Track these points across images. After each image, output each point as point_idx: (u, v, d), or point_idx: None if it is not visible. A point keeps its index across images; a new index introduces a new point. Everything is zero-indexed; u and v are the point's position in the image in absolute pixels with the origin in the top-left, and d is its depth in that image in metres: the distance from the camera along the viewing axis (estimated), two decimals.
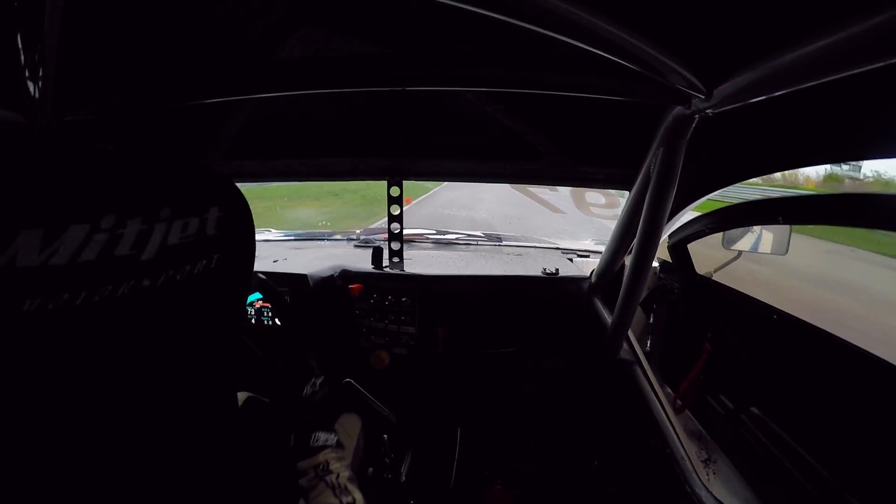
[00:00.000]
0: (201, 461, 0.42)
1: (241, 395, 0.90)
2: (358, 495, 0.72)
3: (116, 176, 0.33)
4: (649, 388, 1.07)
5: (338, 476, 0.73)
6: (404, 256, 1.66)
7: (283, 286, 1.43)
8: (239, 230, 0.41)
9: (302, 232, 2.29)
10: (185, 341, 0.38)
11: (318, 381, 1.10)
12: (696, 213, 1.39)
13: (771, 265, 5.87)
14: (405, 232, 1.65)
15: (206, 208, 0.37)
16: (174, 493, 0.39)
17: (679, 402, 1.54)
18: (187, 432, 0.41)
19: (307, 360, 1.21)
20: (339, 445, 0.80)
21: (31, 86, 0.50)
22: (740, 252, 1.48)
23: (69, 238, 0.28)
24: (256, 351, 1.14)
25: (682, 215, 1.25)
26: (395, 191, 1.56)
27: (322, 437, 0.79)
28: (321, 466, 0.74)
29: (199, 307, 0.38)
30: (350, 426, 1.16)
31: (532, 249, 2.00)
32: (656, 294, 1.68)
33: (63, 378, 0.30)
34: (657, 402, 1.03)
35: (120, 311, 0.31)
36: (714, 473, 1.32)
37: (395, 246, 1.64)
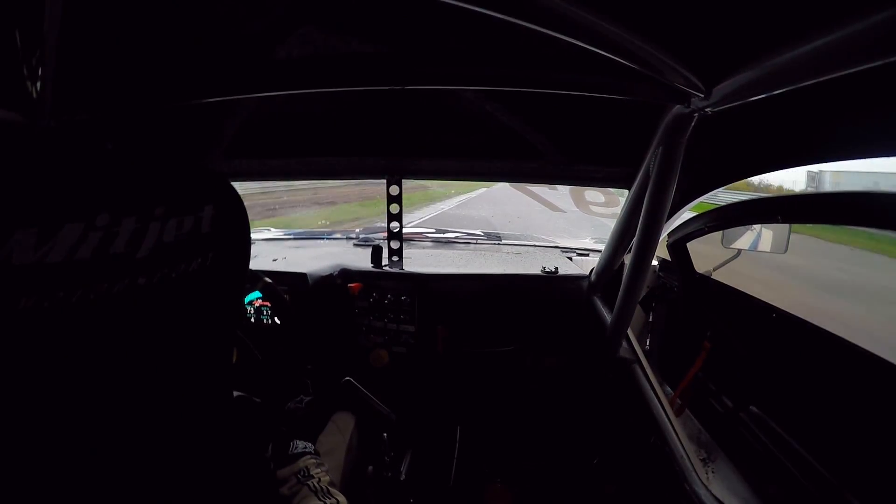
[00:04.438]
0: (195, 460, 0.43)
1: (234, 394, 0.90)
2: (342, 498, 0.72)
3: (111, 174, 0.33)
4: (649, 387, 1.07)
5: (319, 481, 0.74)
6: (403, 255, 1.66)
7: (282, 285, 1.43)
8: (233, 228, 0.41)
9: (301, 231, 2.29)
10: (180, 339, 0.38)
11: (306, 400, 1.11)
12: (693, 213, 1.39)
13: None
14: (404, 230, 1.65)
15: (200, 207, 0.37)
16: (163, 491, 0.39)
17: (679, 401, 1.54)
18: (181, 430, 0.41)
19: (302, 377, 1.21)
20: (316, 453, 0.81)
21: (30, 86, 0.49)
22: (739, 251, 1.48)
23: (64, 236, 0.28)
24: (256, 352, 1.14)
25: (682, 214, 1.25)
26: (394, 189, 1.56)
27: (300, 444, 0.80)
28: (302, 472, 0.74)
29: (195, 305, 0.39)
30: (343, 424, 1.16)
31: (531, 248, 2.00)
32: (656, 292, 1.68)
33: (58, 375, 0.30)
34: (656, 400, 1.03)
35: (116, 308, 0.31)
36: (713, 472, 1.32)
37: (395, 245, 1.64)
